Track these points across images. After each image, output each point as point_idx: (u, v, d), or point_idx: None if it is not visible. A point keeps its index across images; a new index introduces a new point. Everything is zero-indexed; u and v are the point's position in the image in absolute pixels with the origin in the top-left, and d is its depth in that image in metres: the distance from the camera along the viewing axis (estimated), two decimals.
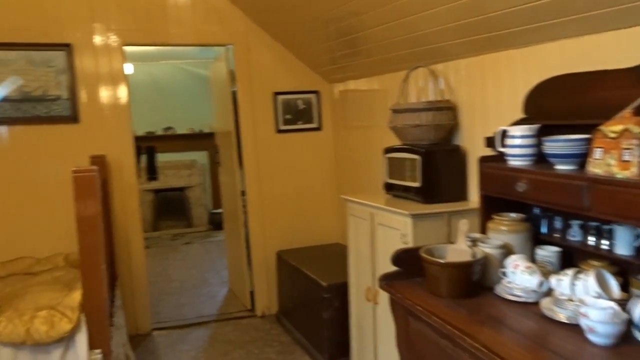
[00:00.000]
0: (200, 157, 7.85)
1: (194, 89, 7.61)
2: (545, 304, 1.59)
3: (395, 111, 2.75)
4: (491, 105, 2.43)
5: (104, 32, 3.70)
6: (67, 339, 2.36)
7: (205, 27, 3.90)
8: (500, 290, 1.74)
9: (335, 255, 3.82)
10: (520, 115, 2.09)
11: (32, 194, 3.57)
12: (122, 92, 3.77)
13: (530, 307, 1.63)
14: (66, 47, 3.61)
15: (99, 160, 3.52)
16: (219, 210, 6.31)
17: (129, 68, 5.94)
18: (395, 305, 1.94)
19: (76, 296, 2.44)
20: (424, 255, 1.80)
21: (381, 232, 2.60)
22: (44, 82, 3.60)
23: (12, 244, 3.47)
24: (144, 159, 7.53)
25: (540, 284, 1.66)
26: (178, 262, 5.82)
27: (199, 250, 6.35)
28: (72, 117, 3.65)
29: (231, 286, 4.81)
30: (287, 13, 3.50)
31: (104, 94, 3.72)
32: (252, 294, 4.17)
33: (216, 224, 7.24)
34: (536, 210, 1.95)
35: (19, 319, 2.34)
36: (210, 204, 7.88)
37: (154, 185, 7.58)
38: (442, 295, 1.76)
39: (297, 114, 4.15)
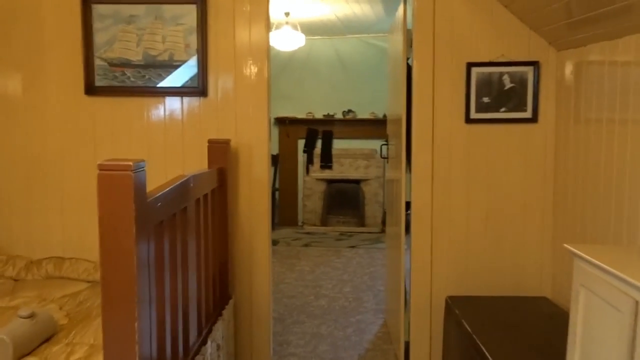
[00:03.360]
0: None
1: (381, 68, 6.57)
2: None
3: None
4: None
5: None
6: None
7: None
8: None
9: (538, 319, 2.42)
10: None
11: None
12: (262, 64, 2.88)
13: None
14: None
15: (219, 147, 2.71)
16: None
17: (300, 39, 5.16)
18: None
19: None
20: None
21: None
22: (172, 43, 2.89)
23: None
24: (319, 144, 6.82)
25: None
26: (335, 271, 4.89)
27: (362, 258, 5.35)
28: (200, 90, 2.89)
29: (387, 320, 3.69)
30: None
31: (239, 63, 2.88)
32: (407, 345, 2.99)
33: None
34: None
35: None
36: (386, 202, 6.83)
37: (327, 174, 6.81)
38: None
39: (500, 96, 2.77)
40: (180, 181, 1.93)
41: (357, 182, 6.79)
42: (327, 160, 6.80)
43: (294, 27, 5.08)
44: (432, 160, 2.83)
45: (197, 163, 2.85)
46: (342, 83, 6.75)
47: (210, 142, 2.69)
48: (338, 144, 6.78)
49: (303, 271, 4.87)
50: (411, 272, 2.89)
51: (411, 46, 2.92)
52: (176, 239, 1.91)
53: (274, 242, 5.85)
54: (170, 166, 2.90)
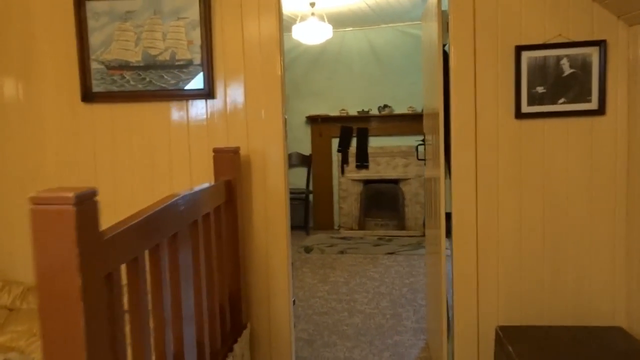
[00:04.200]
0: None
1: (418, 59, 6.10)
2: None
3: None
4: None
5: None
6: None
7: None
8: None
9: (611, 356, 1.96)
10: None
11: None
12: (274, 60, 2.52)
13: None
14: None
15: (226, 157, 2.37)
16: None
17: (327, 31, 4.77)
18: None
19: None
20: None
21: None
22: (173, 40, 2.58)
23: None
24: (354, 142, 6.41)
25: None
26: (371, 282, 4.50)
27: (402, 266, 4.92)
28: (206, 92, 2.56)
29: (428, 342, 3.27)
30: None
31: (249, 60, 2.53)
32: None
33: None
34: None
35: None
36: None
37: (364, 174, 6.40)
38: None
39: (558, 85, 2.30)
40: (163, 205, 1.59)
41: (395, 182, 6.35)
42: (363, 160, 6.39)
43: (321, 18, 4.70)
44: (476, 161, 2.40)
45: (205, 173, 2.53)
46: (376, 77, 6.32)
47: (215, 151, 2.35)
48: (374, 142, 6.36)
49: (337, 283, 4.50)
50: (454, 296, 2.47)
51: (448, 30, 2.49)
52: (160, 275, 1.58)
53: (308, 250, 5.50)
54: (177, 178, 2.60)
